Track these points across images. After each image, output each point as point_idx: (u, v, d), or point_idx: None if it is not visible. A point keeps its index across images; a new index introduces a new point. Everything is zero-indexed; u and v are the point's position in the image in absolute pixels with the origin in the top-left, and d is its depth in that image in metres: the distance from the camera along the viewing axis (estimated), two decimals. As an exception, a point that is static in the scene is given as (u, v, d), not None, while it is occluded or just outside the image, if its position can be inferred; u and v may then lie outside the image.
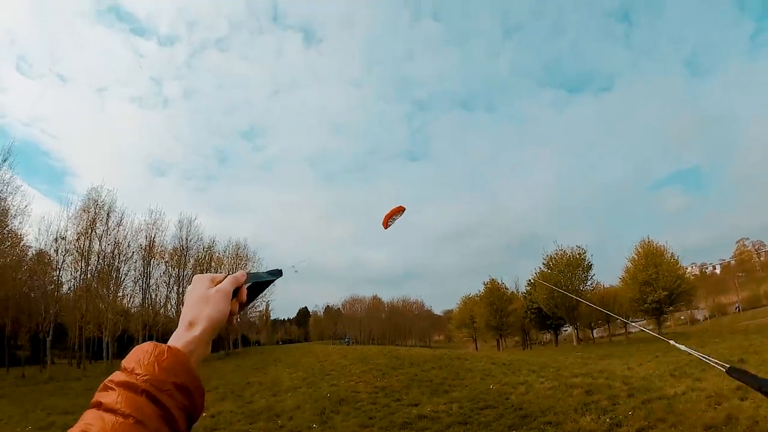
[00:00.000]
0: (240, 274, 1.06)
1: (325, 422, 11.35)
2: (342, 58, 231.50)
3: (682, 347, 1.62)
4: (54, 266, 39.36)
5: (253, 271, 1.19)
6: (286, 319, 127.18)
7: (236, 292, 1.04)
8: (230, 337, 53.63)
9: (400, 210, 9.58)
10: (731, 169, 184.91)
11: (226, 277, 1.03)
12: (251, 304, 1.20)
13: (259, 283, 1.14)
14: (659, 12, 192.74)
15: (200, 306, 0.96)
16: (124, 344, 42.37)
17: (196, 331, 0.92)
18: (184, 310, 0.98)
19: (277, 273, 1.23)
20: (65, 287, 40.58)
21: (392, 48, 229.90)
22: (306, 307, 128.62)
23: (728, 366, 1.00)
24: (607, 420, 8.37)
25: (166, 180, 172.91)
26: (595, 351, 29.49)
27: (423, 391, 13.79)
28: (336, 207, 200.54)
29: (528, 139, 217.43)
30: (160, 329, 44.09)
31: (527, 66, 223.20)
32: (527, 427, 8.65)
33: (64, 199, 55.30)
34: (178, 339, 0.89)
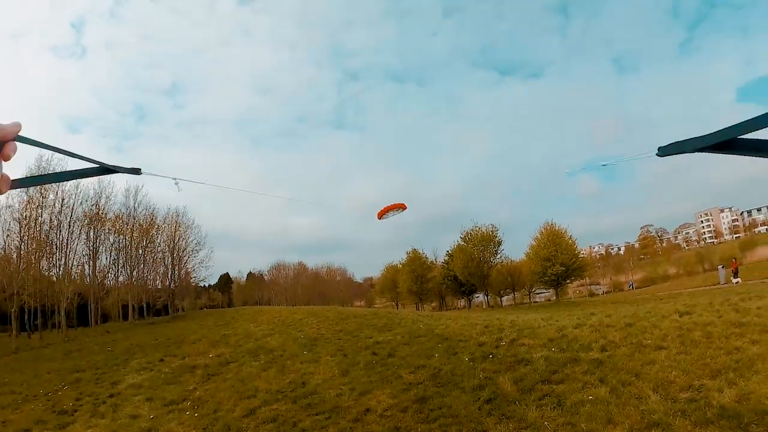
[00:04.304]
0: (11, 126, 0.87)
1: (310, 350, 16.38)
2: (276, 18, 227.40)
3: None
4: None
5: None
6: (207, 285, 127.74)
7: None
8: (157, 304, 55.44)
9: (400, 207, 9.95)
10: (644, 167, 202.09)
11: None
12: (61, 181, 1.05)
13: (98, 167, 1.03)
14: (598, 10, 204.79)
15: None
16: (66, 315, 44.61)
17: None
18: None
19: (133, 171, 1.19)
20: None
21: (330, 14, 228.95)
22: (228, 273, 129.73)
23: None
24: (495, 337, 13.97)
25: (81, 137, 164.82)
26: (500, 312, 35.73)
27: (372, 330, 18.90)
28: (266, 173, 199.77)
29: (457, 116, 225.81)
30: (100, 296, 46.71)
31: (463, 46, 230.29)
32: (447, 343, 14.15)
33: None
34: None
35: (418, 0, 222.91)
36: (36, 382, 17.46)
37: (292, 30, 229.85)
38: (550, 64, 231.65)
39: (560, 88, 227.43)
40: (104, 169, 1.15)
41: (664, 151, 1.14)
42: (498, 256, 58.81)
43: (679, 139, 1.08)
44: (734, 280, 35.16)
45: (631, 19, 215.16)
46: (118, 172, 1.18)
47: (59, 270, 43.19)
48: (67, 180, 1.14)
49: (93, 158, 1.11)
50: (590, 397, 8.10)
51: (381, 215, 10.85)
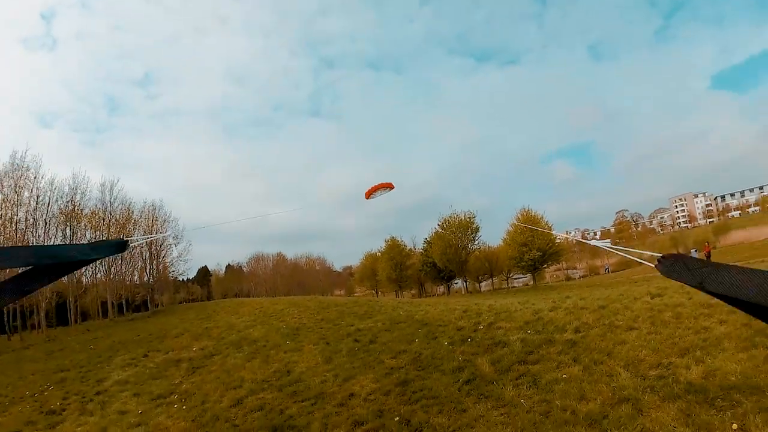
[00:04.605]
0: None
1: (293, 339, 16.63)
2: (252, 5, 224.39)
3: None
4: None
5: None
6: (185, 279, 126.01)
7: None
8: (136, 300, 54.83)
9: (387, 186, 9.95)
10: (619, 152, 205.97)
11: None
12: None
13: (57, 264, 0.78)
14: None
15: None
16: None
17: None
18: None
19: (116, 247, 0.99)
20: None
21: (306, 0, 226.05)
22: (206, 266, 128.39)
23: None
24: (473, 321, 14.39)
25: (53, 132, 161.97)
26: (479, 297, 36.31)
27: (353, 318, 19.23)
28: (242, 163, 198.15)
29: (434, 104, 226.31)
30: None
31: (440, 33, 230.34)
32: (427, 328, 14.52)
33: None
34: None
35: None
36: (21, 384, 17.38)
37: (267, 17, 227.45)
38: (527, 52, 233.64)
39: (537, 76, 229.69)
40: (79, 262, 0.98)
41: (665, 270, 1.02)
42: (476, 242, 59.72)
43: (688, 260, 0.94)
44: (707, 264, 36.04)
45: (607, 6, 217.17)
46: (101, 257, 1.02)
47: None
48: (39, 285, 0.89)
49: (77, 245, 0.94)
50: (564, 376, 8.52)
51: (369, 194, 11.01)
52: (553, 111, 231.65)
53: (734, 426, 5.93)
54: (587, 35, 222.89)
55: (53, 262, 0.83)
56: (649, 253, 0.95)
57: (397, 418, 8.28)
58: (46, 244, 43.32)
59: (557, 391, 7.98)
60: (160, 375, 15.18)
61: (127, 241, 1.10)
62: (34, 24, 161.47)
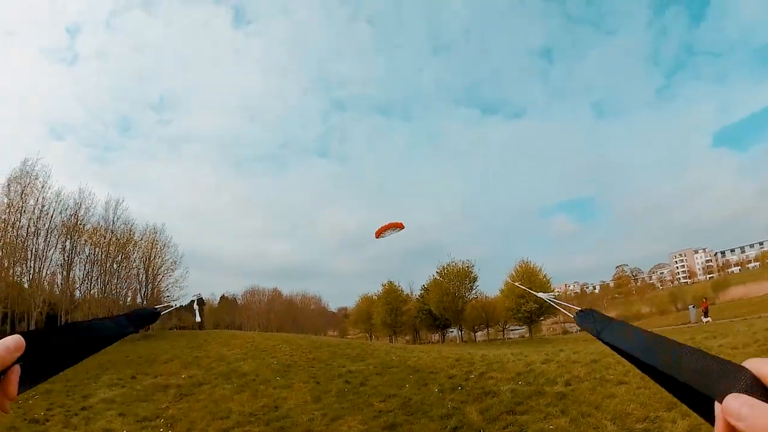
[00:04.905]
0: (12, 344, 0.60)
1: (283, 376, 16.57)
2: (269, 43, 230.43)
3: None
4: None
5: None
6: (180, 305, 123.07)
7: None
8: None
9: (398, 226, 9.93)
10: (619, 207, 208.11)
11: None
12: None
13: (91, 339, 0.75)
14: (581, 56, 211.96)
15: None
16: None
17: None
18: None
19: (148, 318, 0.99)
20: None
21: (322, 43, 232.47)
22: (200, 295, 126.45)
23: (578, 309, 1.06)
24: (465, 370, 14.38)
25: (64, 144, 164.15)
26: (473, 347, 36.08)
27: (345, 359, 19.18)
28: (244, 194, 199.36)
29: (439, 151, 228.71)
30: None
31: (449, 83, 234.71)
32: (419, 374, 14.51)
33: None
34: None
35: (407, 36, 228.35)
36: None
37: (282, 56, 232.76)
38: (531, 106, 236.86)
39: (540, 130, 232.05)
40: (124, 332, 0.99)
41: (578, 321, 1.13)
42: (473, 291, 59.62)
43: (597, 315, 1.05)
44: (704, 320, 35.96)
45: (612, 65, 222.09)
46: (138, 329, 1.06)
47: (30, 277, 42.19)
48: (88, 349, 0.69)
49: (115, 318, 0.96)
50: (551, 427, 8.56)
51: (379, 234, 11.10)
52: (555, 165, 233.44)
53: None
54: (591, 92, 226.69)
55: (96, 336, 0.85)
56: (575, 307, 1.12)
57: (383, 460, 8.30)
58: (46, 251, 43.46)
59: (543, 442, 8.02)
60: (147, 398, 15.09)
61: (159, 311, 1.21)
62: (58, 36, 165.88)
